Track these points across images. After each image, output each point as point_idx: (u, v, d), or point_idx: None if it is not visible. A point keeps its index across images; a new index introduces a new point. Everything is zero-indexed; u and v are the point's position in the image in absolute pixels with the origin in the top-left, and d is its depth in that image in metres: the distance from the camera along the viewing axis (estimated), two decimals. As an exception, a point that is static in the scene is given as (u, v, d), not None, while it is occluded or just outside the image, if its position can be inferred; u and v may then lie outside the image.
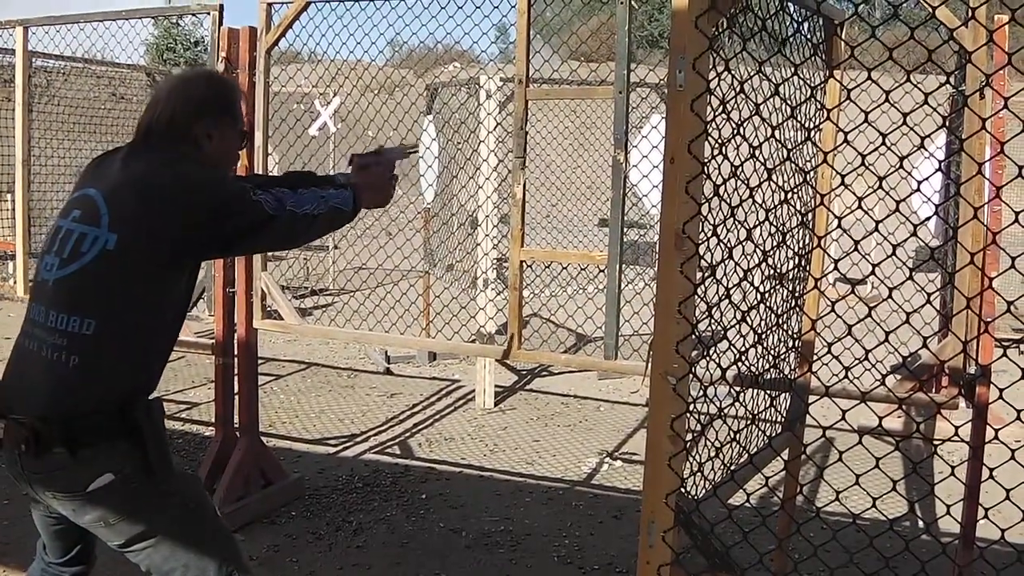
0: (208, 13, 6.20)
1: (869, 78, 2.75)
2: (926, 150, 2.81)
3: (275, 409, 8.51)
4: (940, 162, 2.52)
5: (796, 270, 3.49)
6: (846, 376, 2.62)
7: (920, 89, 2.73)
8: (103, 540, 3.02)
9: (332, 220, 3.26)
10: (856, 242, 2.58)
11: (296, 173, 3.47)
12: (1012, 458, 2.41)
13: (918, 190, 2.53)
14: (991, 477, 2.49)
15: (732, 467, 3.03)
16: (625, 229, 5.06)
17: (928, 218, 2.56)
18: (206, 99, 3.14)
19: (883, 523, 2.52)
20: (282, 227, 3.05)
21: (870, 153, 2.56)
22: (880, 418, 2.55)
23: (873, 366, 2.88)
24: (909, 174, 2.87)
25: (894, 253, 2.50)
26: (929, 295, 2.55)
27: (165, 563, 2.99)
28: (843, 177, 2.69)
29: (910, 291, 2.89)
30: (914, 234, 2.66)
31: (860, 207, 2.67)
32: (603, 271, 5.14)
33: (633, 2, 4.83)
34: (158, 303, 2.97)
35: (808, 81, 3.41)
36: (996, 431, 2.64)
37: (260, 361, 6.90)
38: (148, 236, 2.86)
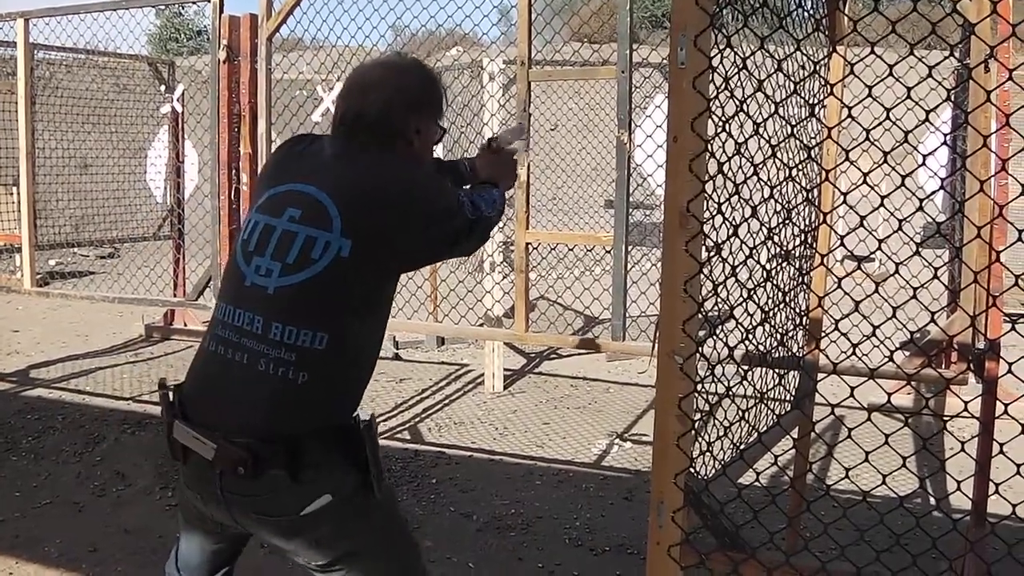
0: (208, 1, 6.20)
1: (872, 52, 2.73)
2: (931, 124, 2.79)
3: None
4: (945, 136, 2.51)
5: (802, 247, 3.47)
6: (853, 353, 2.61)
7: (924, 63, 2.72)
8: (301, 561, 2.79)
9: (496, 221, 3.08)
10: (862, 218, 2.57)
11: None
12: (1023, 432, 2.39)
13: (923, 164, 2.51)
14: (1001, 452, 2.47)
15: (741, 446, 3.02)
16: (630, 210, 5.06)
17: (933, 192, 2.54)
18: (419, 92, 2.94)
19: (894, 500, 2.51)
20: (477, 232, 2.92)
21: (874, 128, 2.55)
22: (889, 395, 2.54)
23: (881, 343, 2.86)
24: (915, 149, 2.86)
25: (900, 229, 2.49)
26: (936, 270, 2.53)
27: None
28: (847, 153, 2.67)
29: (918, 267, 2.88)
30: (920, 209, 2.65)
31: (865, 183, 2.66)
32: (609, 252, 5.14)
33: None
34: (379, 314, 2.80)
35: (811, 57, 3.39)
36: (1006, 406, 2.62)
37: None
38: (380, 244, 2.66)
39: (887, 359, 2.79)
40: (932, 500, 5.59)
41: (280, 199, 2.74)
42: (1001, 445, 2.48)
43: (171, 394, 2.74)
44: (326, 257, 2.60)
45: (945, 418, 6.51)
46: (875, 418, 2.52)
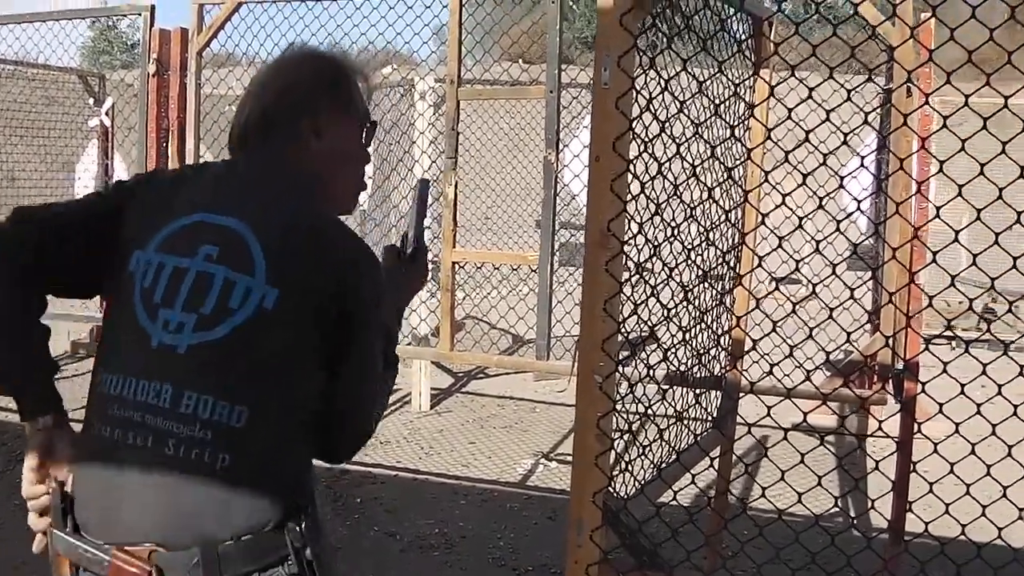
0: (139, 14, 6.17)
1: (793, 75, 2.76)
2: (852, 148, 2.83)
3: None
4: (862, 158, 2.54)
5: (723, 267, 3.50)
6: (770, 373, 2.63)
7: (844, 87, 2.75)
8: None
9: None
10: (780, 239, 2.59)
11: None
12: (935, 451, 2.43)
13: (841, 186, 2.55)
14: (914, 470, 2.51)
15: (661, 466, 3.03)
16: (559, 229, 5.08)
17: (850, 214, 2.58)
18: (312, 85, 2.33)
19: (816, 518, 2.54)
20: (384, 396, 2.32)
21: (794, 150, 2.58)
22: (805, 414, 2.57)
23: (800, 364, 2.89)
24: (835, 173, 2.89)
25: (817, 250, 2.51)
26: (852, 291, 2.57)
27: None
28: (767, 175, 2.70)
29: (845, 289, 2.93)
30: (837, 230, 2.68)
31: (785, 204, 2.69)
32: (536, 271, 5.16)
33: (571, 3, 4.85)
34: (312, 381, 2.10)
35: (734, 79, 3.43)
36: (919, 425, 2.66)
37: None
38: (310, 298, 2.07)
39: (804, 379, 2.82)
40: (853, 518, 5.66)
41: (191, 233, 2.11)
42: (914, 464, 2.51)
43: (60, 496, 2.09)
44: (247, 308, 2.03)
45: (860, 438, 6.60)
46: (800, 438, 2.55)
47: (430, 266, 2.72)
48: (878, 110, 5.37)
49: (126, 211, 2.20)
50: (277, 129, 2.29)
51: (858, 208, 2.38)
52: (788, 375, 3.00)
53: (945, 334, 10.50)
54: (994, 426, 2.39)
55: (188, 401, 1.97)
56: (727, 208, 3.40)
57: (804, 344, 2.59)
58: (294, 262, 2.08)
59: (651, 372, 2.69)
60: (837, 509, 2.64)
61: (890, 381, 4.30)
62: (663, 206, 2.74)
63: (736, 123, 3.46)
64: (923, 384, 2.48)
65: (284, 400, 2.06)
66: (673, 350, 2.97)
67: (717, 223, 3.29)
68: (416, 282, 2.61)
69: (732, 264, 3.61)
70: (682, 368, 3.20)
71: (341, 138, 2.37)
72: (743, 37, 3.72)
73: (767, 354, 2.79)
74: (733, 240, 3.57)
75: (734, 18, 3.59)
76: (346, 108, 2.38)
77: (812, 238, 2.63)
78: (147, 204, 2.21)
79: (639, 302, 2.63)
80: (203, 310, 2.02)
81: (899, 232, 4.12)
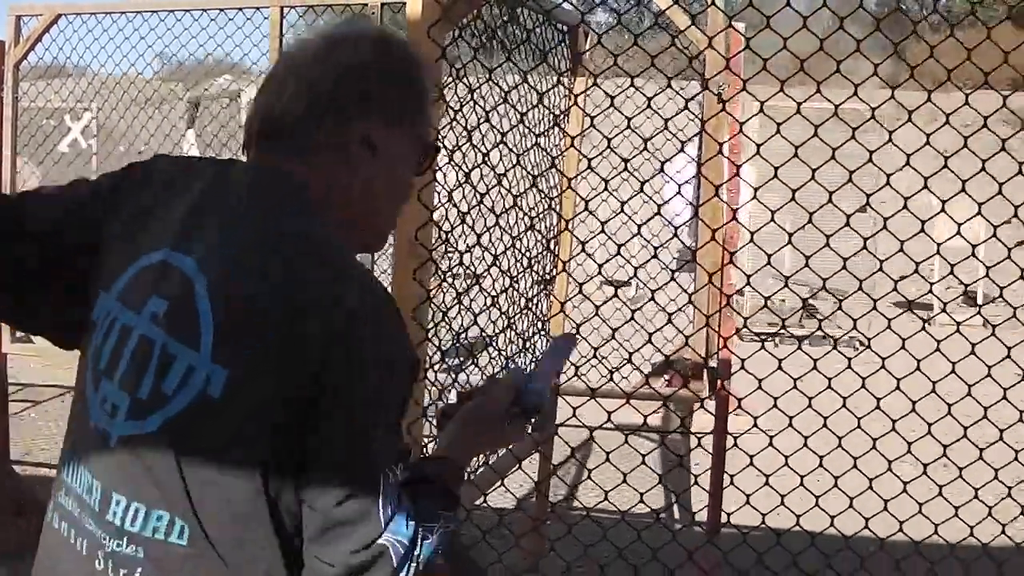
0: (-45, 27, 6.05)
1: (595, 84, 2.84)
2: (657, 157, 2.92)
3: (32, 436, 8.20)
4: (662, 163, 2.62)
5: (532, 273, 3.55)
6: (576, 375, 2.71)
7: (643, 94, 2.83)
8: None
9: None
10: (583, 243, 2.66)
11: None
12: (735, 445, 2.52)
13: (641, 191, 2.63)
14: (714, 467, 2.60)
15: (473, 471, 3.08)
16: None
17: (653, 216, 2.65)
18: (363, 79, 1.67)
19: (645, 516, 2.62)
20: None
21: (594, 159, 2.65)
22: (609, 414, 2.64)
23: (614, 368, 2.96)
24: (641, 181, 2.97)
25: (619, 253, 2.59)
26: (653, 292, 2.65)
27: None
28: (570, 181, 2.77)
29: (675, 290, 3.03)
30: (638, 233, 2.76)
31: (587, 209, 2.76)
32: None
33: (394, 11, 4.86)
34: (274, 499, 1.52)
35: (548, 87, 3.48)
36: (720, 421, 2.76)
37: (15, 387, 6.69)
38: (273, 374, 1.50)
39: (607, 380, 2.90)
40: (658, 512, 5.77)
41: (148, 277, 1.60)
42: (713, 456, 2.60)
43: None
44: (186, 393, 1.51)
45: (661, 433, 6.74)
46: (633, 439, 2.62)
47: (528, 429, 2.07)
48: (686, 115, 5.48)
49: (107, 212, 1.70)
50: (311, 130, 1.66)
51: (658, 212, 2.46)
52: (607, 376, 3.08)
53: (768, 331, 10.83)
54: (791, 418, 2.50)
55: (116, 508, 1.52)
56: (533, 216, 3.45)
57: (600, 346, 2.66)
58: (257, 325, 1.51)
59: (452, 375, 2.73)
60: (645, 507, 2.71)
61: (704, 378, 4.41)
62: (472, 214, 2.79)
63: (546, 129, 3.51)
64: (723, 382, 2.58)
65: (236, 508, 1.52)
66: (481, 352, 3.01)
67: (526, 229, 3.33)
68: (510, 438, 1.98)
69: (547, 269, 3.66)
70: (491, 372, 3.24)
71: (398, 158, 1.74)
72: (552, 46, 3.76)
73: (592, 356, 2.86)
74: (542, 246, 3.62)
75: (547, 27, 3.64)
76: (415, 118, 1.76)
77: (617, 244, 2.70)
78: (126, 217, 1.69)
79: (447, 310, 2.68)
80: (139, 393, 1.54)
81: (711, 235, 4.23)
